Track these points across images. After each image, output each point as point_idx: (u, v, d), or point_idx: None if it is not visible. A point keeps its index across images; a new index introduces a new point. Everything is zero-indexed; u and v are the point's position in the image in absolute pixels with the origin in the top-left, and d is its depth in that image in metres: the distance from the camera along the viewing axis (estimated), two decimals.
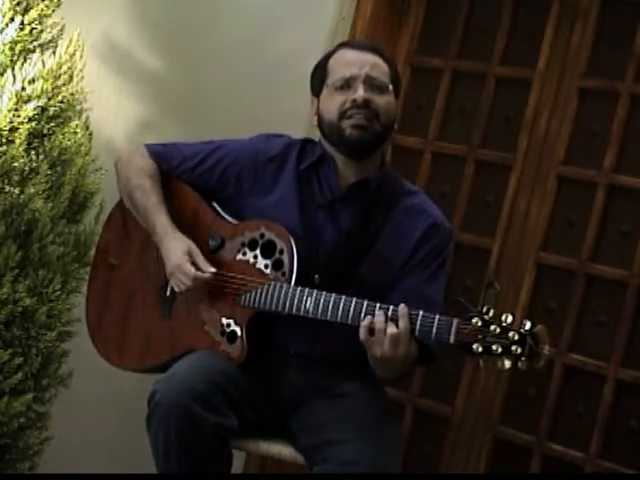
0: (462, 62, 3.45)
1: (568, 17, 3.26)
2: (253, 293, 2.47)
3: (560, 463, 3.12)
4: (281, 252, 2.48)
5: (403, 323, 2.32)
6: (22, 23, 2.91)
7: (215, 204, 2.63)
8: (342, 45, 2.66)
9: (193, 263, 2.50)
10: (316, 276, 2.48)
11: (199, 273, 2.49)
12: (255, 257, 2.51)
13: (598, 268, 3.14)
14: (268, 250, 2.50)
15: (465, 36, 3.46)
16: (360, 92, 2.51)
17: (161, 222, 2.57)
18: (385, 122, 2.54)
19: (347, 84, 2.53)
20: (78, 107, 3.03)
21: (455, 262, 3.26)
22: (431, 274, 2.55)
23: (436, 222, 2.59)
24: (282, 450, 2.51)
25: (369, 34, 3.42)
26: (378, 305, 2.35)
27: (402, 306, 2.33)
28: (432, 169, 3.46)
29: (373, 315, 2.34)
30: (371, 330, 2.34)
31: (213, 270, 2.50)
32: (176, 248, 2.52)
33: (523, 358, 2.24)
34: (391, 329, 2.32)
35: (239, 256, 2.53)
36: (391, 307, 2.34)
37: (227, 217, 2.60)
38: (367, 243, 2.53)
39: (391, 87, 2.56)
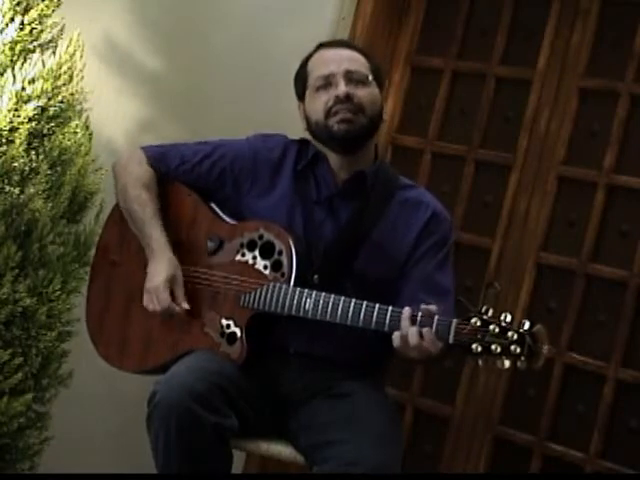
0: (462, 62, 3.45)
1: (568, 17, 3.26)
2: (252, 294, 2.47)
3: (560, 463, 3.12)
4: (280, 253, 2.48)
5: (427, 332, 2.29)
6: (22, 23, 2.91)
7: (214, 205, 2.63)
8: (318, 47, 2.65)
9: (172, 292, 2.51)
10: (315, 276, 2.48)
11: (173, 305, 2.51)
12: (254, 258, 2.51)
13: (598, 268, 3.14)
14: (267, 251, 2.50)
15: (465, 36, 3.46)
16: (341, 87, 2.51)
17: (156, 238, 2.57)
18: (371, 114, 2.54)
19: (328, 82, 2.54)
20: (78, 107, 3.02)
21: (455, 262, 3.25)
22: (439, 263, 2.56)
23: (436, 212, 2.59)
24: (282, 450, 2.51)
25: (369, 34, 3.42)
26: (377, 305, 2.35)
27: (406, 309, 2.32)
28: (432, 169, 3.46)
29: (372, 316, 2.34)
30: (403, 338, 2.31)
31: (187, 307, 2.51)
32: (162, 271, 2.52)
33: (522, 358, 2.23)
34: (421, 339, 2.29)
35: (238, 257, 2.53)
36: (419, 315, 2.30)
37: (226, 218, 2.60)
38: (363, 235, 2.53)
39: (371, 77, 2.56)
